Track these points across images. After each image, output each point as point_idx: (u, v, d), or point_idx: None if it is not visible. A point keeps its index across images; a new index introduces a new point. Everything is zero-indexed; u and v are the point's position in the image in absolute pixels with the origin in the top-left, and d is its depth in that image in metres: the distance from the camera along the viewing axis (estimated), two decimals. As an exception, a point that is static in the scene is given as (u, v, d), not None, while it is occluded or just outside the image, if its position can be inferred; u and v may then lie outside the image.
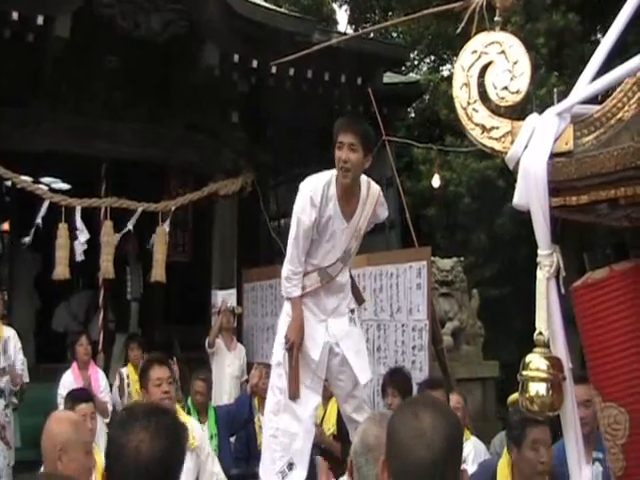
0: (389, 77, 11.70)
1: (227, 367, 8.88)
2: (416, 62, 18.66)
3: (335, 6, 19.47)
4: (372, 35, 13.47)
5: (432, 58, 17.95)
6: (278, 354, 4.95)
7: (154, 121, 9.75)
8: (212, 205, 10.26)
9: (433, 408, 1.85)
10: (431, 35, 15.35)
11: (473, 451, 5.24)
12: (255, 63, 9.30)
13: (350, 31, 18.32)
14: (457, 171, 11.42)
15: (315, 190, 4.69)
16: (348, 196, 4.78)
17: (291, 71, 9.39)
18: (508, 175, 8.99)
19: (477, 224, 11.51)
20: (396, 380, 5.75)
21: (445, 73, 14.95)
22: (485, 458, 5.75)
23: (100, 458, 3.83)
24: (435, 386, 5.35)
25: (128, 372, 8.30)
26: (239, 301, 9.75)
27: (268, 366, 7.43)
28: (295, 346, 4.76)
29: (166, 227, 9.72)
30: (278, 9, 10.23)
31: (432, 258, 7.73)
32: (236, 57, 9.21)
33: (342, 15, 23.26)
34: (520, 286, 8.95)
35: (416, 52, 17.96)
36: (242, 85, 9.82)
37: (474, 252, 11.41)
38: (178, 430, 2.17)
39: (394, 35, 18.20)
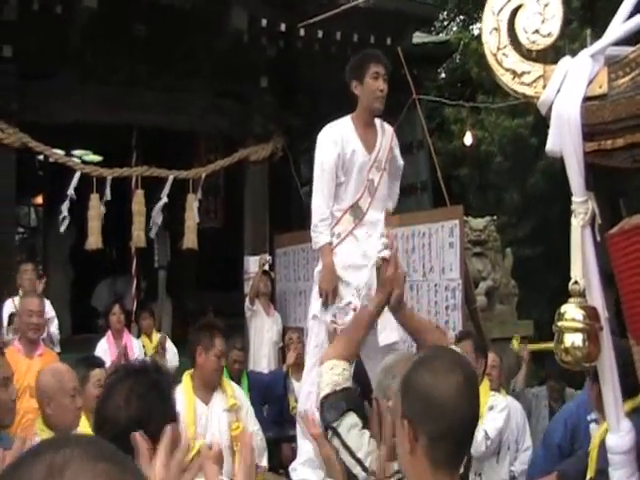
0: (419, 37, 11.56)
1: (266, 332, 8.89)
2: (446, 22, 18.42)
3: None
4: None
5: (462, 17, 17.71)
6: (315, 305, 4.93)
7: (182, 88, 9.71)
8: (243, 171, 10.24)
9: (454, 362, 1.82)
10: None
11: (507, 408, 5.20)
12: (283, 26, 9.22)
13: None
14: (489, 130, 11.29)
15: (332, 131, 4.89)
16: (367, 129, 4.94)
17: (319, 33, 9.29)
18: (540, 133, 8.87)
19: (510, 183, 11.40)
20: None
21: (475, 32, 14.72)
22: (520, 415, 5.75)
23: None
24: (462, 338, 5.31)
25: (143, 342, 8.32)
26: (272, 266, 9.74)
27: (301, 330, 7.48)
28: (330, 295, 4.72)
29: (198, 194, 9.73)
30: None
31: (464, 218, 7.66)
32: (264, 21, 9.14)
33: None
34: (553, 245, 8.86)
35: (446, 12, 17.73)
36: (270, 49, 9.75)
37: (507, 211, 11.30)
38: (160, 388, 2.18)
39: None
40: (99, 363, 4.89)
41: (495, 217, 8.75)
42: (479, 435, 4.72)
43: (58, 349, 7.67)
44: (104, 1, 8.17)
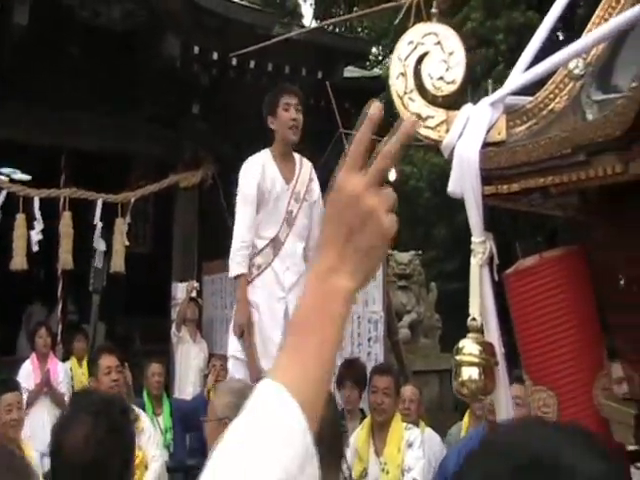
0: (352, 71, 11.74)
1: (192, 359, 8.87)
2: (381, 57, 18.74)
3: (300, 0, 19.49)
4: (337, 30, 13.50)
5: (397, 53, 18.02)
6: (233, 344, 4.96)
7: (115, 112, 9.69)
8: (173, 197, 10.25)
9: None
10: (395, 30, 15.41)
11: (420, 438, 5.23)
12: (216, 55, 9.30)
13: (314, 24, 18.35)
14: (418, 165, 11.51)
15: (253, 162, 5.00)
16: (285, 161, 5.04)
17: (252, 64, 9.40)
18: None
19: (438, 218, 11.62)
20: (352, 372, 5.76)
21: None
22: (438, 448, 5.81)
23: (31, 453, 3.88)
24: (383, 372, 5.38)
25: (71, 365, 8.24)
26: (199, 293, 9.74)
27: (225, 358, 7.48)
28: (245, 329, 4.76)
29: (127, 219, 9.70)
30: (240, 1, 10.21)
31: (390, 251, 7.78)
32: (196, 49, 9.21)
33: (307, 9, 23.28)
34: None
35: (381, 47, 18.03)
36: (203, 77, 9.81)
37: (435, 246, 11.51)
38: (121, 430, 2.14)
39: (359, 30, 18.26)
40: (12, 387, 4.82)
41: (420, 252, 8.93)
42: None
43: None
44: (36, 19, 8.13)
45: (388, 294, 7.28)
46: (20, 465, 1.05)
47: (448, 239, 11.49)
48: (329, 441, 1.90)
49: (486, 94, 2.43)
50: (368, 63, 16.60)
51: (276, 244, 4.94)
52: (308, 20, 19.22)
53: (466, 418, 5.80)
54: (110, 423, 2.06)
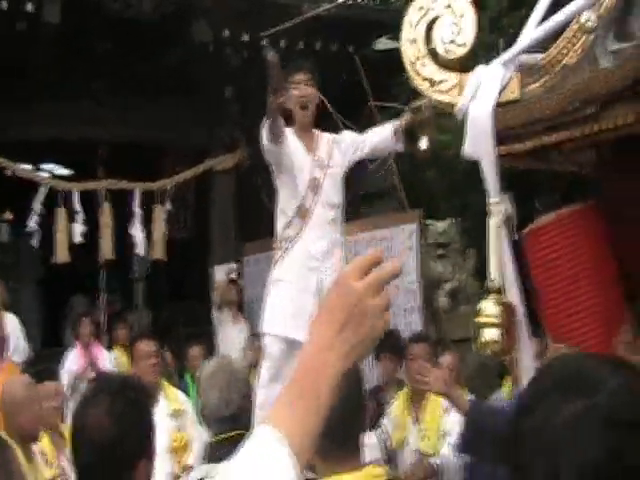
0: (385, 44, 11.66)
1: (234, 340, 8.95)
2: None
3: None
4: (368, 2, 13.39)
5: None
6: (267, 320, 4.98)
7: (148, 101, 9.78)
8: (210, 181, 10.31)
9: None
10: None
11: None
12: (246, 37, 9.31)
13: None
14: (454, 134, 11.40)
15: None
16: (305, 134, 5.03)
17: (282, 43, 9.38)
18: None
19: (476, 186, 11.51)
20: (390, 343, 5.76)
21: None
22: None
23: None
24: (417, 340, 5.38)
25: (116, 354, 8.36)
26: (239, 275, 9.80)
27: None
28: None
29: (166, 206, 9.80)
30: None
31: (427, 221, 7.76)
32: (227, 32, 9.24)
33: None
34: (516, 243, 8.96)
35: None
36: (235, 60, 9.84)
37: (473, 214, 11.40)
38: (140, 401, 2.20)
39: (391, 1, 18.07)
40: (51, 376, 4.90)
41: (458, 220, 8.86)
42: (446, 450, 4.74)
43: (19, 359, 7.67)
44: (67, 17, 8.23)
45: (423, 264, 7.26)
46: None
47: (485, 207, 11.38)
48: (347, 416, 1.92)
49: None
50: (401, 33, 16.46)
51: (303, 212, 4.95)
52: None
53: (507, 384, 5.78)
54: (127, 401, 2.11)
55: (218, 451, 3.03)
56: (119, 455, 2.01)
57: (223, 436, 3.12)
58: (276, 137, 4.68)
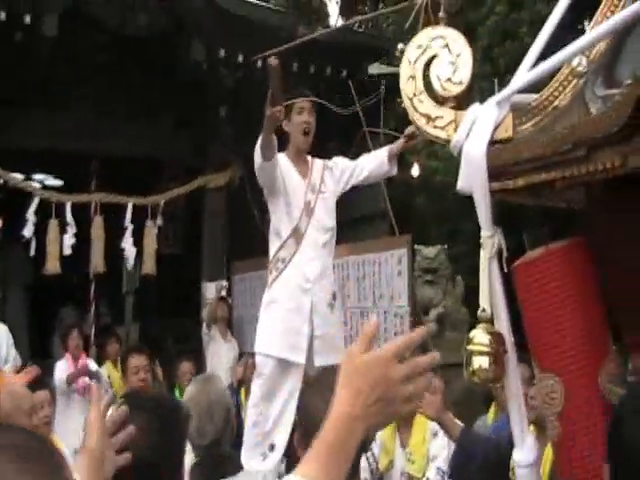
0: (377, 68, 11.80)
1: (223, 357, 9.01)
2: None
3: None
4: (362, 28, 13.55)
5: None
6: (259, 340, 5.06)
7: (142, 117, 9.88)
8: (202, 198, 10.40)
9: None
10: (412, 26, 15.44)
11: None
12: (241, 58, 9.43)
13: (339, 23, 18.40)
14: (443, 160, 11.53)
15: None
16: (299, 160, 5.16)
17: (268, 67, 9.48)
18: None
19: (465, 213, 11.62)
20: None
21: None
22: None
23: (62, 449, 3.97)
24: None
25: (107, 370, 8.39)
26: (229, 293, 9.89)
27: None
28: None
29: (158, 221, 9.88)
30: (263, 3, 10.34)
31: (416, 246, 7.87)
32: (222, 52, 9.35)
33: (333, 7, 23.33)
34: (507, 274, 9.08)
35: (406, 42, 18.03)
36: (229, 80, 9.95)
37: (463, 241, 11.52)
38: (174, 420, 2.16)
39: (386, 26, 18.26)
40: (42, 385, 4.94)
41: (447, 246, 8.98)
42: (432, 474, 4.80)
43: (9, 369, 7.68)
44: (64, 30, 8.33)
45: (413, 289, 7.36)
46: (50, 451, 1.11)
47: (474, 233, 11.48)
48: None
49: (502, 88, 2.51)
50: (394, 59, 16.64)
51: (297, 235, 5.04)
52: (334, 18, 19.26)
53: (492, 410, 5.85)
54: (162, 421, 2.05)
55: (195, 473, 3.11)
56: (158, 475, 1.99)
57: (196, 461, 3.20)
58: (269, 151, 4.74)
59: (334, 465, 1.31)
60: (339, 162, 5.38)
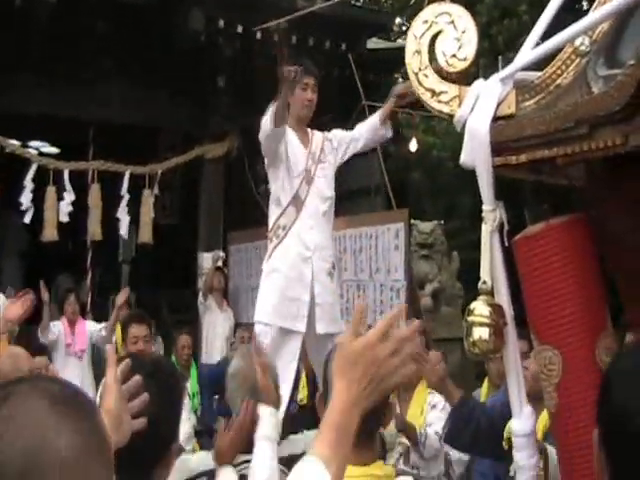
0: (376, 43, 11.80)
1: (219, 327, 9.09)
2: (404, 28, 18.69)
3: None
4: (360, 2, 13.52)
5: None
6: (260, 309, 5.11)
7: (140, 85, 9.87)
8: (199, 168, 10.43)
9: None
10: (416, 1, 15.38)
11: (444, 403, 5.36)
12: (240, 28, 9.42)
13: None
14: (441, 136, 11.56)
15: None
16: (300, 128, 5.26)
17: (276, 37, 9.49)
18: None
19: (461, 188, 11.66)
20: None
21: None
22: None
23: None
24: None
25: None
26: (225, 263, 9.94)
27: (252, 328, 7.69)
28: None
29: (155, 190, 9.91)
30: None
31: (413, 221, 7.93)
32: (221, 22, 9.35)
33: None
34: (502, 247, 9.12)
35: (405, 18, 17.98)
36: (228, 50, 9.97)
37: (458, 216, 11.57)
38: (172, 383, 2.20)
39: (382, 1, 18.20)
40: (39, 350, 4.98)
41: (443, 221, 9.03)
42: (432, 436, 4.86)
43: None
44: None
45: (410, 263, 7.42)
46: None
47: (471, 209, 11.54)
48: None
49: (506, 64, 2.54)
50: (392, 33, 16.59)
51: (297, 202, 5.10)
52: (332, -9, 19.15)
53: (484, 385, 5.94)
54: (161, 384, 2.07)
55: None
56: (156, 439, 1.99)
57: None
58: (283, 117, 4.81)
59: (340, 446, 1.52)
60: (337, 134, 5.45)
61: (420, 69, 2.51)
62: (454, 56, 2.47)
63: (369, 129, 5.34)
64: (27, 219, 9.29)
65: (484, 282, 2.42)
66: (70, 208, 9.31)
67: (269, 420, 2.77)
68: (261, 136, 4.98)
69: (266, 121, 4.86)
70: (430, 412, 4.98)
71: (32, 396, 1.06)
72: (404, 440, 4.86)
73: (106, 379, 1.81)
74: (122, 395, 1.80)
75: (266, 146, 5.04)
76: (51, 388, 1.09)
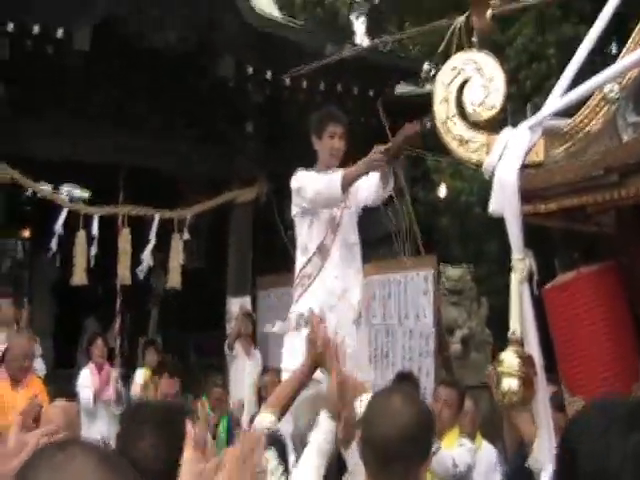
0: (403, 88, 11.85)
1: (246, 373, 9.02)
2: (432, 73, 18.80)
3: (352, 17, 19.70)
4: (388, 47, 13.59)
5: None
6: (286, 357, 5.07)
7: (170, 131, 9.97)
8: (228, 212, 10.46)
9: (404, 394, 2.02)
10: (444, 47, 15.46)
11: (474, 450, 5.29)
12: (269, 75, 9.51)
13: (367, 42, 18.50)
14: (468, 181, 11.54)
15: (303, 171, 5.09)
16: (326, 172, 5.10)
17: (304, 83, 9.58)
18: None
19: (489, 234, 11.60)
20: (405, 386, 5.83)
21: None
22: (494, 460, 5.84)
23: None
24: (448, 384, 5.45)
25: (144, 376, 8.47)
26: (253, 308, 9.92)
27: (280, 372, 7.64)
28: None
29: (183, 235, 9.95)
30: (293, 21, 10.43)
31: (441, 267, 7.87)
32: (250, 69, 9.45)
33: (359, 25, 23.52)
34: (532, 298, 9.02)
35: (433, 63, 18.10)
36: (256, 96, 10.05)
37: (487, 261, 11.49)
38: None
39: (410, 47, 18.34)
40: (69, 397, 4.98)
41: (472, 267, 8.96)
42: (448, 461, 4.81)
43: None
44: (95, 45, 8.45)
45: (439, 309, 7.36)
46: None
47: (499, 254, 11.46)
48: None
49: (535, 110, 2.53)
50: (420, 79, 16.69)
51: (323, 251, 5.06)
52: (360, 37, 19.37)
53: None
54: (174, 431, 2.03)
55: None
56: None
57: None
58: (350, 186, 4.81)
59: None
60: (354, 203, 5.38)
61: (448, 117, 2.51)
62: (482, 104, 2.47)
63: (367, 190, 5.24)
64: (56, 263, 9.37)
65: (513, 332, 2.38)
66: (97, 253, 9.38)
67: (326, 427, 2.60)
68: (319, 194, 4.92)
69: (333, 187, 4.85)
70: (457, 448, 4.94)
71: (84, 452, 1.20)
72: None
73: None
74: None
75: (319, 205, 5.01)
76: (99, 448, 1.24)
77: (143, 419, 2.19)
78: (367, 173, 4.77)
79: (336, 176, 4.84)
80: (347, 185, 4.78)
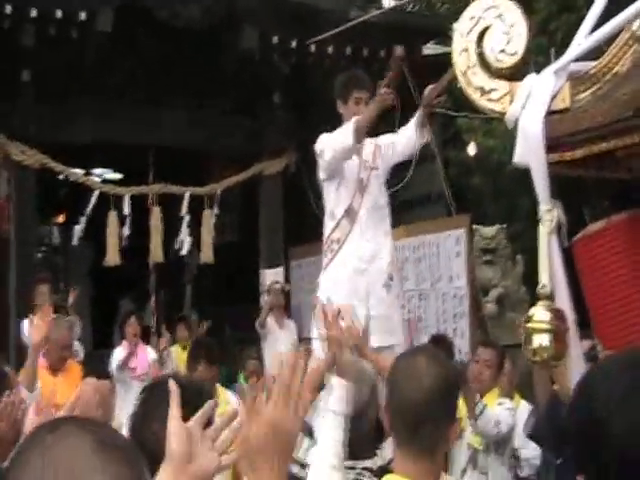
0: (432, 48, 11.66)
1: (280, 345, 9.01)
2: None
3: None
4: (414, 8, 13.39)
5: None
6: (317, 327, 5.04)
7: (197, 106, 9.92)
8: (258, 185, 10.42)
9: (429, 355, 1.96)
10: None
11: (515, 410, 5.21)
12: (294, 43, 9.41)
13: (392, 3, 18.23)
14: (501, 138, 11.34)
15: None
16: None
17: (330, 49, 9.46)
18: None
19: (523, 190, 11.42)
20: (440, 348, 5.78)
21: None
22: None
23: None
24: (487, 344, 5.38)
25: (175, 352, 8.52)
26: (287, 279, 9.90)
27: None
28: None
29: (214, 210, 9.94)
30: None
31: (475, 226, 7.76)
32: (275, 39, 9.37)
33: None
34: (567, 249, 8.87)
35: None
36: (283, 66, 9.96)
37: (521, 219, 11.33)
38: None
39: (437, 5, 18.04)
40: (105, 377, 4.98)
41: (505, 225, 8.80)
42: (491, 421, 4.74)
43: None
44: (118, 25, 8.42)
45: (473, 269, 7.26)
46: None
47: (533, 211, 11.29)
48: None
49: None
50: (448, 39, 16.44)
51: (351, 214, 5.01)
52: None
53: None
54: (192, 411, 1.82)
55: None
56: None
57: None
58: (363, 134, 4.83)
59: None
60: (384, 139, 5.36)
61: (468, 67, 2.42)
62: (503, 51, 2.37)
63: (404, 141, 5.23)
64: (87, 245, 9.43)
65: (543, 286, 2.30)
66: (129, 232, 9.41)
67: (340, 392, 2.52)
68: (336, 150, 4.90)
69: (346, 137, 4.80)
70: (497, 408, 4.86)
71: (78, 434, 1.06)
72: (472, 442, 4.75)
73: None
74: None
75: (337, 160, 4.97)
76: (98, 431, 1.09)
77: (160, 399, 2.09)
78: (376, 112, 4.74)
79: (349, 123, 4.80)
80: (361, 128, 4.75)
